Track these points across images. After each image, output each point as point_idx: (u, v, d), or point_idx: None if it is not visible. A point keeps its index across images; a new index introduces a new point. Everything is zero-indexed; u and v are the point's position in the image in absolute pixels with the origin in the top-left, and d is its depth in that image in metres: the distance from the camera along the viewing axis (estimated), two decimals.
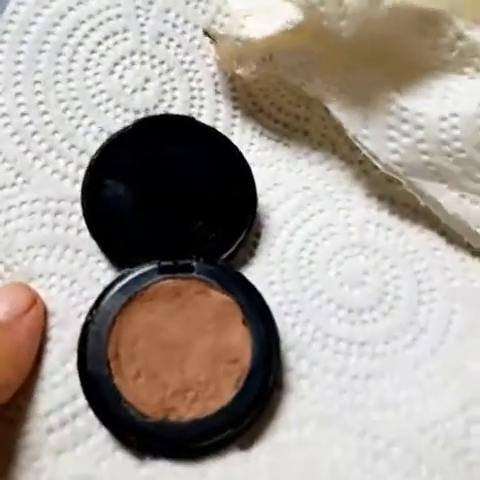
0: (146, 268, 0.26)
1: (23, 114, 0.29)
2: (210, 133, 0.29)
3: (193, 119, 0.28)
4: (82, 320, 0.25)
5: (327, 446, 0.25)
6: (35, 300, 0.26)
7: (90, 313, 0.25)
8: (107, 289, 0.26)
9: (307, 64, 0.29)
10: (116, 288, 0.26)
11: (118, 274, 0.26)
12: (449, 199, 0.28)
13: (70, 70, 0.29)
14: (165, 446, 0.24)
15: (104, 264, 0.28)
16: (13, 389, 0.24)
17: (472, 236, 0.29)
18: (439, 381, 0.26)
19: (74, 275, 0.27)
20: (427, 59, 0.27)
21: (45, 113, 0.29)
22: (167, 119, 0.28)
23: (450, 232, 0.30)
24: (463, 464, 0.24)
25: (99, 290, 0.26)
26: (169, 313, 0.26)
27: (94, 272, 0.27)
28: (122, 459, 0.24)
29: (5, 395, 0.24)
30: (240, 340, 0.26)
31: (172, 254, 0.27)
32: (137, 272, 0.26)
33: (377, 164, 0.29)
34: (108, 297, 0.26)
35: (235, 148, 0.29)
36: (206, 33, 0.31)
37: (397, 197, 0.31)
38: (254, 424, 0.25)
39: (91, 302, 0.26)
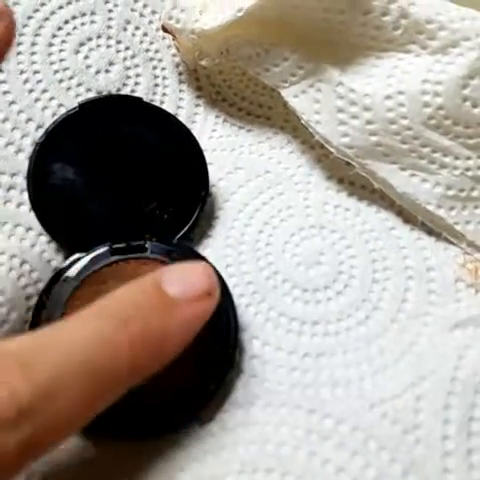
0: (98, 251, 0.25)
1: None
2: (159, 113, 0.27)
3: (140, 99, 0.27)
4: (30, 303, 0.24)
5: (275, 425, 0.23)
6: (213, 291, 0.21)
7: (40, 298, 0.24)
8: (58, 273, 0.24)
9: (261, 54, 0.27)
10: (68, 272, 0.24)
11: (70, 258, 0.25)
12: (400, 179, 0.26)
13: (34, 43, 0.27)
14: (117, 428, 0.22)
15: (55, 244, 0.26)
16: (141, 376, 0.19)
17: (424, 214, 0.27)
18: (390, 358, 0.25)
19: (24, 255, 0.25)
20: (372, 39, 0.25)
21: (3, 82, 0.27)
22: (114, 100, 0.27)
23: (406, 212, 0.28)
24: (412, 440, 0.22)
25: (49, 272, 0.24)
26: None
27: (45, 253, 0.25)
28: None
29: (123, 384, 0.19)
30: None
31: (125, 236, 0.25)
32: (89, 255, 0.25)
33: (330, 148, 0.27)
34: (60, 281, 0.24)
35: (184, 127, 0.27)
36: (164, 29, 0.29)
37: (355, 179, 0.29)
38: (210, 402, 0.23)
39: (40, 285, 0.24)
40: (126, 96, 0.27)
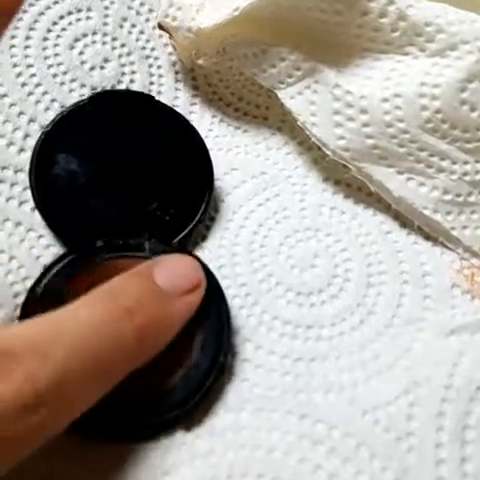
0: (94, 246, 0.24)
1: None
2: (168, 112, 0.27)
3: (151, 97, 0.27)
4: (17, 301, 0.23)
5: (266, 430, 0.22)
6: (200, 284, 0.22)
7: (31, 291, 0.23)
8: (51, 266, 0.24)
9: (258, 54, 0.27)
10: (60, 265, 0.23)
11: (63, 251, 0.24)
12: (396, 183, 0.26)
13: (28, 37, 0.27)
14: (104, 429, 0.22)
15: (45, 240, 0.25)
16: (142, 363, 0.21)
17: (420, 218, 0.26)
18: (384, 363, 0.24)
19: (12, 250, 0.24)
20: (370, 40, 0.25)
21: None
22: (124, 95, 0.27)
23: (403, 216, 0.27)
24: (404, 447, 0.22)
25: (38, 269, 0.24)
26: None
27: (34, 249, 0.25)
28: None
29: None
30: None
31: (124, 234, 0.25)
32: (84, 250, 0.24)
33: (326, 151, 0.27)
34: (51, 274, 0.23)
35: (193, 128, 0.27)
36: (161, 27, 0.28)
37: (352, 182, 0.28)
38: (200, 405, 0.22)
39: (28, 282, 0.23)
40: (138, 93, 0.27)
